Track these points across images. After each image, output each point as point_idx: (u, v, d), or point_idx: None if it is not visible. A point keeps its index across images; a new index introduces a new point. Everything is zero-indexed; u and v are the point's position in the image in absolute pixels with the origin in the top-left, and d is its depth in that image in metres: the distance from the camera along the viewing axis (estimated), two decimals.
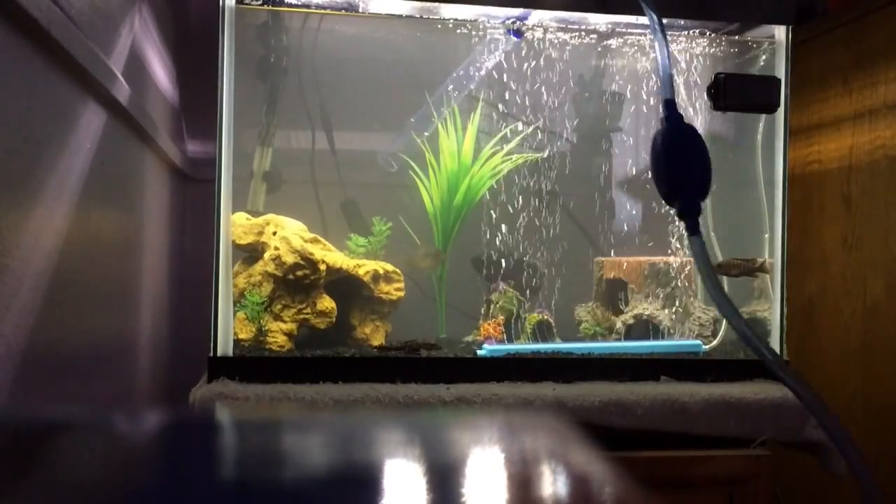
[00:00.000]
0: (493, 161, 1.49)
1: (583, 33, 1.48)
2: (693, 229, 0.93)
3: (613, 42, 1.52)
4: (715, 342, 1.47)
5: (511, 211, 1.51)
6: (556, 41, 1.49)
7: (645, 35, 1.48)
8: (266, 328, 1.31)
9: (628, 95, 1.60)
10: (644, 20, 1.42)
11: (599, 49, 1.54)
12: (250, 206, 1.48)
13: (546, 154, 1.55)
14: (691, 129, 0.99)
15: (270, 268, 1.32)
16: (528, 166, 1.52)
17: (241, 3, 1.32)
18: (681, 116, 0.99)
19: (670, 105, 1.00)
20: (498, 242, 1.50)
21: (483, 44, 1.49)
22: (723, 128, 1.56)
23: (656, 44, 1.04)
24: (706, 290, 0.99)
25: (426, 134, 1.50)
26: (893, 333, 1.52)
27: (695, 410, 1.22)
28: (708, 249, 1.54)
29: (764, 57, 1.47)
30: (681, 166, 0.95)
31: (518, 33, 1.40)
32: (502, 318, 1.46)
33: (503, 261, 1.50)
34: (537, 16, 1.40)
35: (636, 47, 1.53)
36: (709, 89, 1.33)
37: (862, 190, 1.60)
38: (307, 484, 0.31)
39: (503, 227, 1.50)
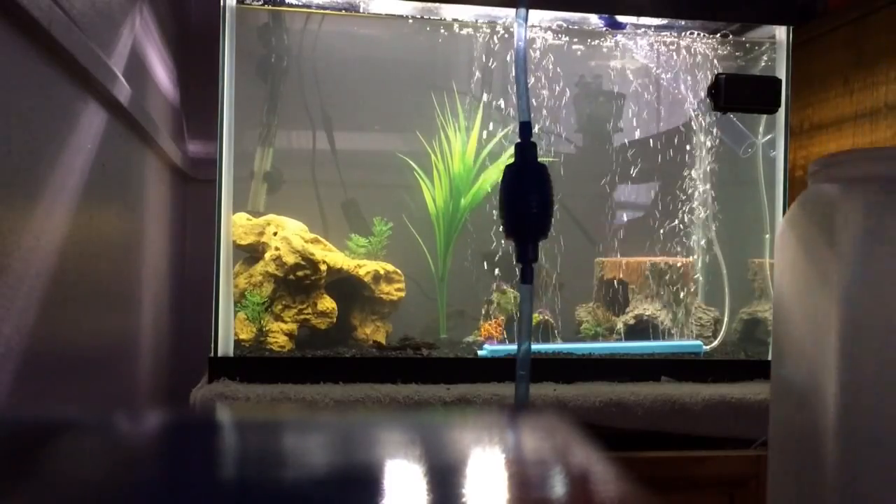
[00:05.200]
0: (498, 162, 1.48)
1: (581, 34, 1.48)
2: (524, 277, 0.90)
3: (610, 42, 1.52)
4: (715, 342, 1.47)
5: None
6: (554, 42, 1.49)
7: (637, 35, 1.48)
8: (267, 328, 1.31)
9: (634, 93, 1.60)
10: (643, 20, 1.42)
11: (598, 49, 1.54)
12: (251, 207, 1.48)
13: (552, 157, 1.55)
14: (540, 169, 0.93)
15: (271, 268, 1.32)
16: None
17: (241, 3, 1.32)
18: (535, 147, 0.93)
19: (525, 130, 0.93)
20: (497, 243, 1.50)
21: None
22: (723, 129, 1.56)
23: (515, 64, 0.95)
24: (519, 336, 0.95)
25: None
26: None
27: (695, 411, 1.22)
28: (709, 250, 1.55)
29: (765, 57, 1.47)
30: (521, 209, 0.91)
31: (616, 23, 1.37)
32: (503, 318, 1.46)
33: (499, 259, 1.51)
34: (537, 16, 1.40)
35: (634, 47, 1.53)
36: (709, 90, 1.33)
37: None
38: (307, 484, 0.31)
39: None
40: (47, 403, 0.79)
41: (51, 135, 0.80)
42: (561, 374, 1.28)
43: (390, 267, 1.42)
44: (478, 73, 1.52)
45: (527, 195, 0.90)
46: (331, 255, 1.36)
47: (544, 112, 1.52)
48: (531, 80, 1.49)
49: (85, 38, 0.84)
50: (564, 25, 1.44)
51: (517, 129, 0.94)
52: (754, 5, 1.37)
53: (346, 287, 1.40)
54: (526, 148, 0.93)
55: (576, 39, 1.49)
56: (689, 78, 1.53)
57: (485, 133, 1.49)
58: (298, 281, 1.32)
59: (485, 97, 1.51)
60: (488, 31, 1.47)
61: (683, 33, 1.48)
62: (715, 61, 1.50)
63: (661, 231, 1.56)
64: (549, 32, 1.47)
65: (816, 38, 1.70)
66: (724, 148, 1.54)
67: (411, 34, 1.51)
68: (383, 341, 1.41)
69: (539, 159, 0.95)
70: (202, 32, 1.69)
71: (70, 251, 0.86)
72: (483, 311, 1.49)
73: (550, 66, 1.50)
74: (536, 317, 1.45)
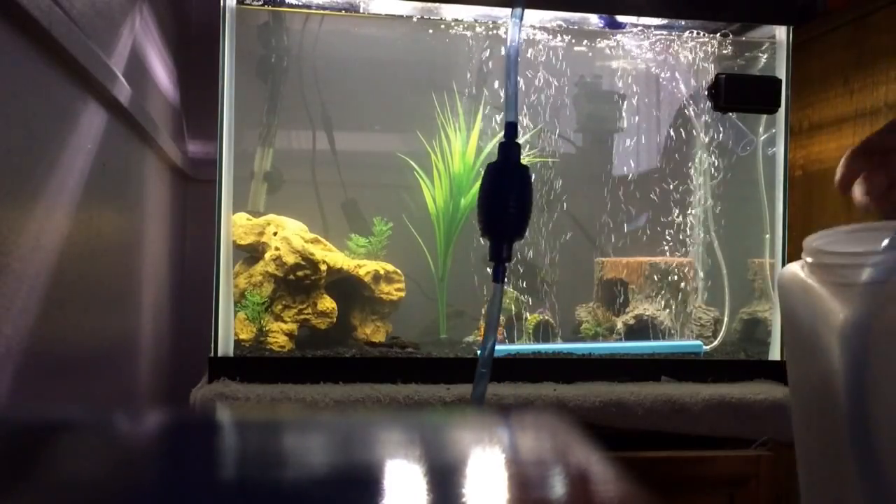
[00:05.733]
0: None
1: (581, 34, 1.48)
2: (496, 276, 0.89)
3: (609, 42, 1.52)
4: (716, 342, 1.47)
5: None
6: (555, 42, 1.49)
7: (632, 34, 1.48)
8: (267, 328, 1.31)
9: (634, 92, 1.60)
10: (643, 20, 1.42)
11: (597, 49, 1.54)
12: (251, 207, 1.48)
13: (553, 157, 1.55)
14: (521, 170, 0.92)
15: (271, 268, 1.33)
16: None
17: (241, 3, 1.32)
18: (518, 147, 0.92)
19: (510, 129, 0.91)
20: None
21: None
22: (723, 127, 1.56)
23: (506, 63, 0.94)
24: (485, 337, 0.94)
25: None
26: None
27: (695, 411, 1.22)
28: (709, 249, 1.55)
29: (765, 57, 1.47)
30: (499, 208, 0.89)
31: (615, 23, 1.37)
32: (503, 318, 1.46)
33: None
34: (537, 16, 1.40)
35: (633, 47, 1.53)
36: (709, 90, 1.33)
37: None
38: (307, 484, 0.31)
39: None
40: (47, 403, 0.79)
41: (51, 135, 0.80)
42: (561, 374, 1.28)
43: (390, 267, 1.42)
44: (469, 73, 1.52)
45: (505, 195, 0.90)
46: (331, 255, 1.36)
47: (542, 111, 1.52)
48: (537, 83, 1.49)
49: (85, 38, 0.84)
50: (564, 25, 1.44)
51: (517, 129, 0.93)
52: (754, 5, 1.37)
53: (346, 287, 1.40)
54: (509, 147, 0.92)
55: (573, 39, 1.49)
56: (687, 77, 1.53)
57: (495, 122, 1.49)
58: (298, 281, 1.32)
59: (486, 96, 1.51)
60: (487, 31, 1.47)
61: (683, 33, 1.47)
62: (712, 60, 1.50)
63: (661, 231, 1.56)
64: (542, 32, 1.47)
65: (816, 38, 1.70)
66: (724, 147, 1.54)
67: (411, 34, 1.51)
68: (377, 341, 1.41)
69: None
70: (202, 32, 1.69)
71: (70, 251, 0.86)
72: (483, 311, 1.48)
73: (551, 66, 1.50)
74: (536, 317, 1.46)
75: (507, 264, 0.92)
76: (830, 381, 0.56)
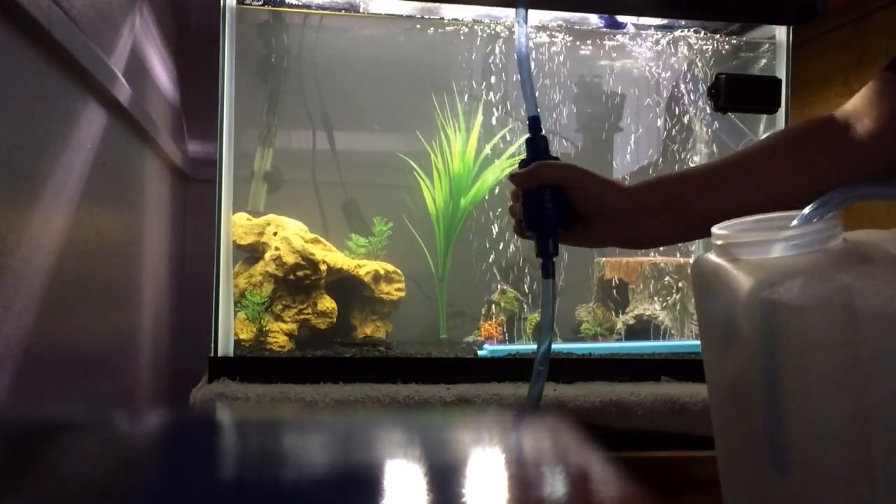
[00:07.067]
0: (501, 162, 1.48)
1: (581, 34, 1.48)
2: (546, 272, 0.88)
3: (609, 42, 1.52)
4: None
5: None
6: (555, 42, 1.49)
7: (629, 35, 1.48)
8: (267, 328, 1.31)
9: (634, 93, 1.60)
10: (643, 20, 1.42)
11: (598, 49, 1.54)
12: (251, 207, 1.48)
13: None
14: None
15: (271, 268, 1.33)
16: None
17: (241, 2, 1.32)
18: (545, 140, 0.90)
19: (534, 124, 0.90)
20: (501, 244, 1.50)
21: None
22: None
23: (518, 63, 0.91)
24: (541, 336, 0.91)
25: None
26: None
27: (695, 411, 1.22)
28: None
29: (765, 57, 1.47)
30: (537, 203, 0.86)
31: (616, 23, 1.37)
32: (503, 318, 1.46)
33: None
34: (537, 16, 1.40)
35: (633, 47, 1.53)
36: (709, 90, 1.33)
37: None
38: (307, 484, 0.31)
39: (501, 226, 1.50)
40: (47, 403, 0.79)
41: (51, 135, 0.80)
42: (561, 374, 1.28)
43: (390, 267, 1.42)
44: (471, 72, 1.52)
45: (541, 189, 0.89)
46: (331, 255, 1.36)
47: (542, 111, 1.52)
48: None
49: (85, 38, 0.84)
50: (564, 25, 1.44)
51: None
52: (754, 5, 1.37)
53: (346, 287, 1.40)
54: (536, 141, 0.92)
55: (569, 38, 1.49)
56: (687, 76, 1.53)
57: (493, 123, 1.49)
58: (298, 281, 1.32)
59: (485, 96, 1.51)
60: (489, 30, 1.47)
61: (682, 32, 1.47)
62: (711, 59, 1.50)
63: None
64: (543, 33, 1.47)
65: (816, 38, 1.70)
66: (725, 146, 1.54)
67: (411, 34, 1.51)
68: (355, 340, 1.41)
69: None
70: (202, 32, 1.69)
71: (70, 251, 0.86)
72: (483, 311, 1.49)
73: (551, 66, 1.50)
74: (536, 317, 1.46)
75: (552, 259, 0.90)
76: (744, 366, 0.54)
